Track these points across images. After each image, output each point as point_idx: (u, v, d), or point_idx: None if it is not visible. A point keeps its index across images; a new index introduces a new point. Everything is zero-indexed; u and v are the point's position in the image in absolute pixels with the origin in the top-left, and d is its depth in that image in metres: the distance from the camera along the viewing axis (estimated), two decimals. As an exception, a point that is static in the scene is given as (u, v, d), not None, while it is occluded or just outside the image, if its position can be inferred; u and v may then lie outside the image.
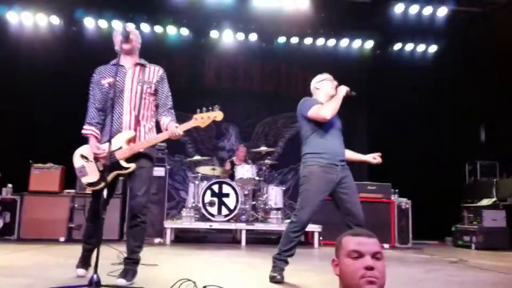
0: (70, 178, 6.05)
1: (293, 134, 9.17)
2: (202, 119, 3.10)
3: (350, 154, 3.69)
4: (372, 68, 8.84)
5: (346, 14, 7.80)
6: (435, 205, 7.52)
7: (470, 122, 8.26)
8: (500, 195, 7.56)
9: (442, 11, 7.72)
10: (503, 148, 7.71)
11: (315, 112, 3.44)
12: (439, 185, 7.76)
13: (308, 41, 8.65)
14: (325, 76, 3.71)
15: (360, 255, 1.50)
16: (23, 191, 6.21)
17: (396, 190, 6.97)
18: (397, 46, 8.76)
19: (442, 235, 7.80)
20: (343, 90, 3.51)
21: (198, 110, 3.13)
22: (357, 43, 8.72)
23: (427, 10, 7.68)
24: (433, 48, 8.78)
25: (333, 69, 8.58)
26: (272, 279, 3.34)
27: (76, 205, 6.15)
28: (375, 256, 1.50)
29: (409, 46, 8.78)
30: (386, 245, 6.49)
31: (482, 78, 7.81)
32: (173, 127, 3.12)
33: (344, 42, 8.71)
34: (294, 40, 8.59)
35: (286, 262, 3.44)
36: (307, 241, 6.61)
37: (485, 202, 7.52)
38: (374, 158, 3.75)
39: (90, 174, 3.20)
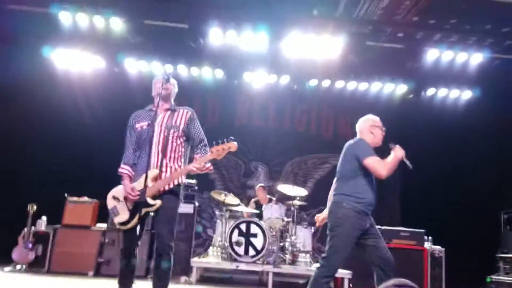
0: (103, 212, 6.18)
1: (322, 175, 9.12)
2: (217, 151, 3.23)
3: None
4: (405, 112, 8.78)
5: (379, 59, 7.86)
6: (470, 254, 7.22)
7: (507, 169, 8.02)
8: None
9: (477, 58, 7.67)
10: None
11: (373, 165, 3.45)
12: (474, 233, 7.47)
13: (339, 84, 8.71)
14: (378, 122, 3.76)
15: None
16: (57, 224, 6.36)
17: (429, 238, 6.75)
18: (431, 92, 8.68)
19: (476, 286, 7.44)
20: (401, 153, 3.54)
21: (214, 143, 3.26)
22: (389, 88, 8.69)
23: (462, 57, 7.64)
24: (467, 94, 8.66)
25: (365, 112, 8.61)
26: None
27: (106, 240, 6.23)
28: None
29: (442, 92, 8.68)
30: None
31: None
32: (191, 164, 3.30)
33: (376, 86, 8.70)
34: (326, 83, 8.67)
35: None
36: (336, 288, 6.43)
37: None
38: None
39: (121, 214, 3.32)
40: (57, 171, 7.55)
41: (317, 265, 3.56)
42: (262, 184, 7.96)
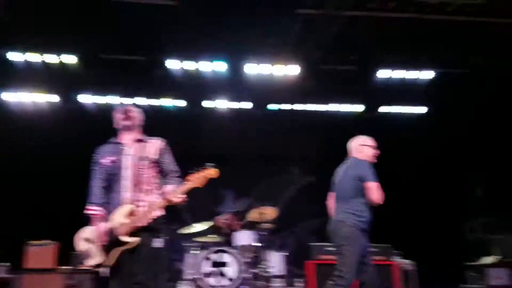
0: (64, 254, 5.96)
1: (292, 196, 9.12)
2: (198, 179, 3.10)
3: None
4: (364, 130, 8.99)
5: (334, 81, 8.12)
6: (439, 265, 7.37)
7: (470, 178, 8.35)
8: (504, 252, 7.45)
9: (428, 74, 8.02)
10: (505, 203, 7.73)
11: (375, 190, 3.64)
12: (441, 244, 7.67)
13: (299, 106, 8.92)
14: (371, 142, 4.06)
15: None
16: (18, 269, 6.06)
17: (399, 252, 6.82)
18: (385, 109, 9.04)
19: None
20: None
21: (189, 172, 3.13)
22: (346, 107, 8.95)
23: (413, 74, 7.97)
24: (421, 110, 9.05)
25: (326, 132, 8.79)
26: None
27: (75, 282, 5.97)
28: None
29: (397, 109, 9.05)
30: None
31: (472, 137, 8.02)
32: (170, 195, 3.11)
33: (334, 107, 8.95)
34: (286, 106, 8.85)
35: None
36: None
37: (488, 260, 7.39)
38: None
39: (96, 256, 3.12)
40: (14, 215, 7.24)
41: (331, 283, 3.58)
42: (232, 210, 7.88)
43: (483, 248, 7.85)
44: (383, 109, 9.04)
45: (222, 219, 7.22)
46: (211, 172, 3.15)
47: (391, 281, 6.45)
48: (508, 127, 8.04)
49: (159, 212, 3.20)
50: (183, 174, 3.92)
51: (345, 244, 3.57)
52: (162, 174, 3.34)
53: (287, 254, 7.04)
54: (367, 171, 3.74)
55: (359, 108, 8.97)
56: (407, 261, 6.69)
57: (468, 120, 8.16)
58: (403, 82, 8.02)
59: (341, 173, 3.97)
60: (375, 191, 3.63)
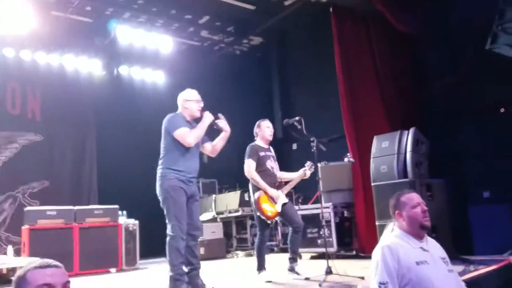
0: None
1: (10, 156, 7.99)
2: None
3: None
4: (100, 87, 8.65)
5: (68, 31, 7.47)
6: (161, 223, 7.79)
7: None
8: (218, 209, 8.51)
9: (167, 41, 8.24)
10: (221, 166, 8.71)
11: (181, 135, 3.77)
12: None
13: (25, 55, 7.86)
14: (194, 96, 4.00)
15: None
16: None
17: (124, 212, 6.90)
18: (124, 69, 8.90)
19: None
20: (208, 119, 3.89)
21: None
22: (81, 62, 8.38)
23: (152, 38, 8.03)
24: (157, 75, 9.29)
25: (61, 87, 8.03)
26: None
27: None
28: (65, 286, 1.43)
29: (135, 70, 9.04)
30: (113, 269, 6.34)
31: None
32: None
33: (68, 60, 8.25)
34: (9, 53, 7.67)
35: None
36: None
37: (204, 216, 8.30)
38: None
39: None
40: None
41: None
42: None
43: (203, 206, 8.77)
44: (122, 69, 8.89)
45: None
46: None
47: (115, 241, 6.51)
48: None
49: None
50: None
51: (166, 197, 3.74)
52: None
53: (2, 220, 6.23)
54: (171, 123, 3.87)
55: (96, 63, 8.55)
56: (131, 220, 6.84)
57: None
58: (143, 44, 8.03)
59: None
60: (183, 137, 3.79)
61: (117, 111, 8.37)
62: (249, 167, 4.46)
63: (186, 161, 3.83)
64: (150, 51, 8.21)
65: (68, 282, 1.45)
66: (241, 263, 6.90)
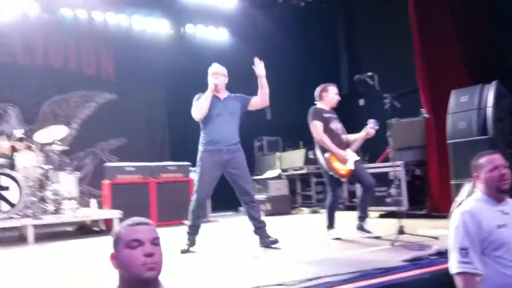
0: None
1: (89, 114, 8.48)
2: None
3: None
4: (168, 47, 8.81)
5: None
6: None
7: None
8: (283, 167, 8.59)
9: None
10: (285, 125, 8.71)
11: (192, 110, 4.09)
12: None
13: (97, 15, 8.12)
14: (210, 70, 4.14)
15: (140, 243, 1.48)
16: None
17: (195, 168, 7.14)
18: (190, 28, 8.94)
19: (235, 206, 8.42)
20: (209, 87, 4.03)
21: None
22: (150, 22, 8.54)
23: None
24: (223, 33, 9.24)
25: (131, 48, 8.20)
26: None
27: None
28: (154, 242, 1.51)
29: (200, 28, 9.06)
30: (187, 222, 6.65)
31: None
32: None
33: (137, 19, 8.45)
34: (82, 13, 7.93)
35: None
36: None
37: (270, 174, 8.43)
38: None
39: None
40: None
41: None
42: (19, 136, 6.82)
43: (266, 164, 8.93)
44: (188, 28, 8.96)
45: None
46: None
47: (187, 195, 6.78)
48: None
49: None
50: None
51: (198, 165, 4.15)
52: None
53: (79, 175, 6.68)
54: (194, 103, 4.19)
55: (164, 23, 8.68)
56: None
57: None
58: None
59: None
60: (192, 109, 4.10)
61: (185, 68, 8.49)
62: (317, 127, 4.40)
63: (213, 130, 4.08)
64: (213, 7, 8.19)
65: (157, 238, 1.53)
66: (306, 219, 6.98)
